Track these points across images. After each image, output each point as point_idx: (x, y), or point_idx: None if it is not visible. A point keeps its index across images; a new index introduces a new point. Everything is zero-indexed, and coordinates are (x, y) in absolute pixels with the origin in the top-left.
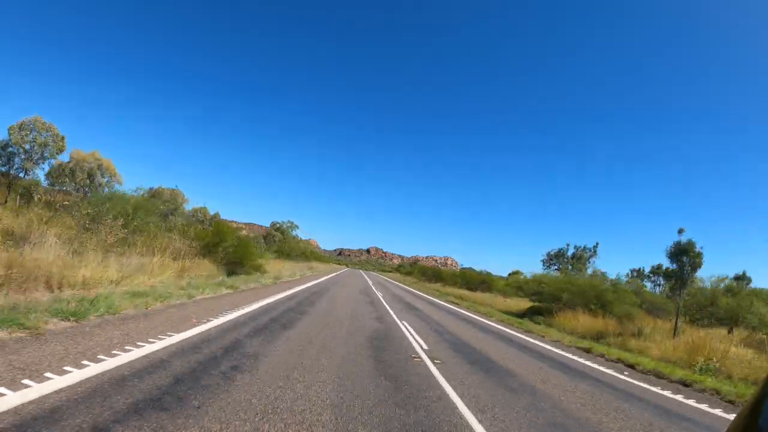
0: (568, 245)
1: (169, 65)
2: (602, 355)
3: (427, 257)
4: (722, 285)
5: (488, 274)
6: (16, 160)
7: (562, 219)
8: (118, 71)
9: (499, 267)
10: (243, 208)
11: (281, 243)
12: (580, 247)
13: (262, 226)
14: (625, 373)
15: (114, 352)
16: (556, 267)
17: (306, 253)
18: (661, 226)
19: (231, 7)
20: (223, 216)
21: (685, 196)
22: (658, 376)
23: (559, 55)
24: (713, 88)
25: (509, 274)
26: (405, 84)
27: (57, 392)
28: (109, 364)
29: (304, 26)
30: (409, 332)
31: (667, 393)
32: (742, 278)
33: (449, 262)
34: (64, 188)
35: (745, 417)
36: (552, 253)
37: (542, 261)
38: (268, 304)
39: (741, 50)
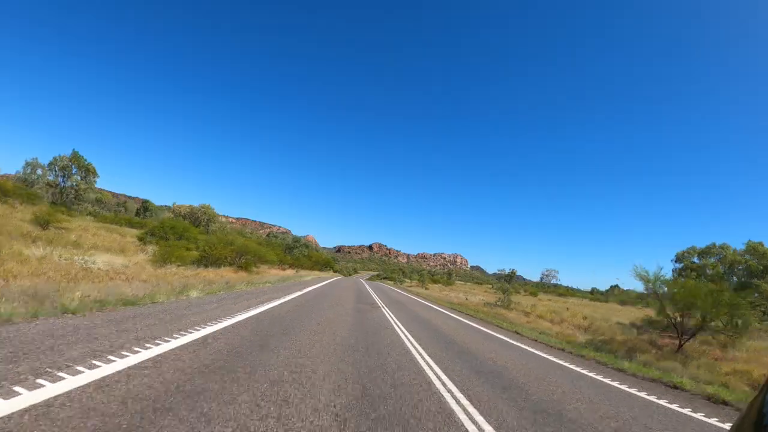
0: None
1: (168, 64)
2: None
3: (435, 254)
4: None
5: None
6: None
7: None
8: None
9: (502, 266)
10: (238, 205)
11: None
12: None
13: (255, 221)
14: None
15: None
16: None
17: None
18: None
19: (230, 10)
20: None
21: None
22: None
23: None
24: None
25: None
26: (410, 84)
27: None
28: None
29: (302, 27)
30: None
31: None
32: None
33: (458, 260)
34: None
35: (751, 414)
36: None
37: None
38: None
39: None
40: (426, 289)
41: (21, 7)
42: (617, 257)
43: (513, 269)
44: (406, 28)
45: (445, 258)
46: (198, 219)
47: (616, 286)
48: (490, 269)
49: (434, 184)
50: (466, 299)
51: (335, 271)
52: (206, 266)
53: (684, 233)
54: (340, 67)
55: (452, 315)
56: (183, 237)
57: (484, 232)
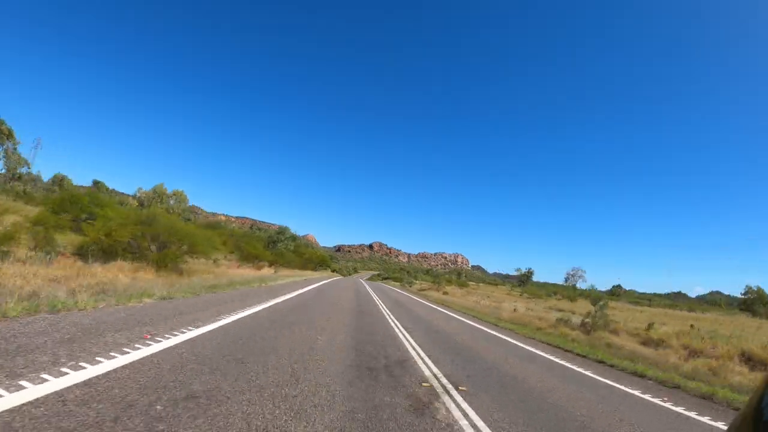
0: None
1: (168, 64)
2: None
3: (435, 254)
4: None
5: None
6: None
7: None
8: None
9: (502, 265)
10: (238, 205)
11: None
12: None
13: (255, 220)
14: None
15: None
16: None
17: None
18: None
19: (230, 10)
20: (214, 210)
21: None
22: None
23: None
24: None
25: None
26: (410, 84)
27: None
28: None
29: (302, 27)
30: None
31: None
32: None
33: (459, 260)
34: None
35: (750, 411)
36: None
37: None
38: None
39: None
40: (444, 293)
41: (21, 7)
42: (617, 257)
43: (530, 269)
44: (406, 28)
45: (446, 257)
46: (170, 207)
47: (619, 286)
48: (491, 269)
49: (434, 184)
50: (514, 310)
51: (333, 271)
52: (86, 259)
53: (683, 233)
54: (340, 67)
55: (594, 376)
56: (94, 215)
57: (485, 231)
